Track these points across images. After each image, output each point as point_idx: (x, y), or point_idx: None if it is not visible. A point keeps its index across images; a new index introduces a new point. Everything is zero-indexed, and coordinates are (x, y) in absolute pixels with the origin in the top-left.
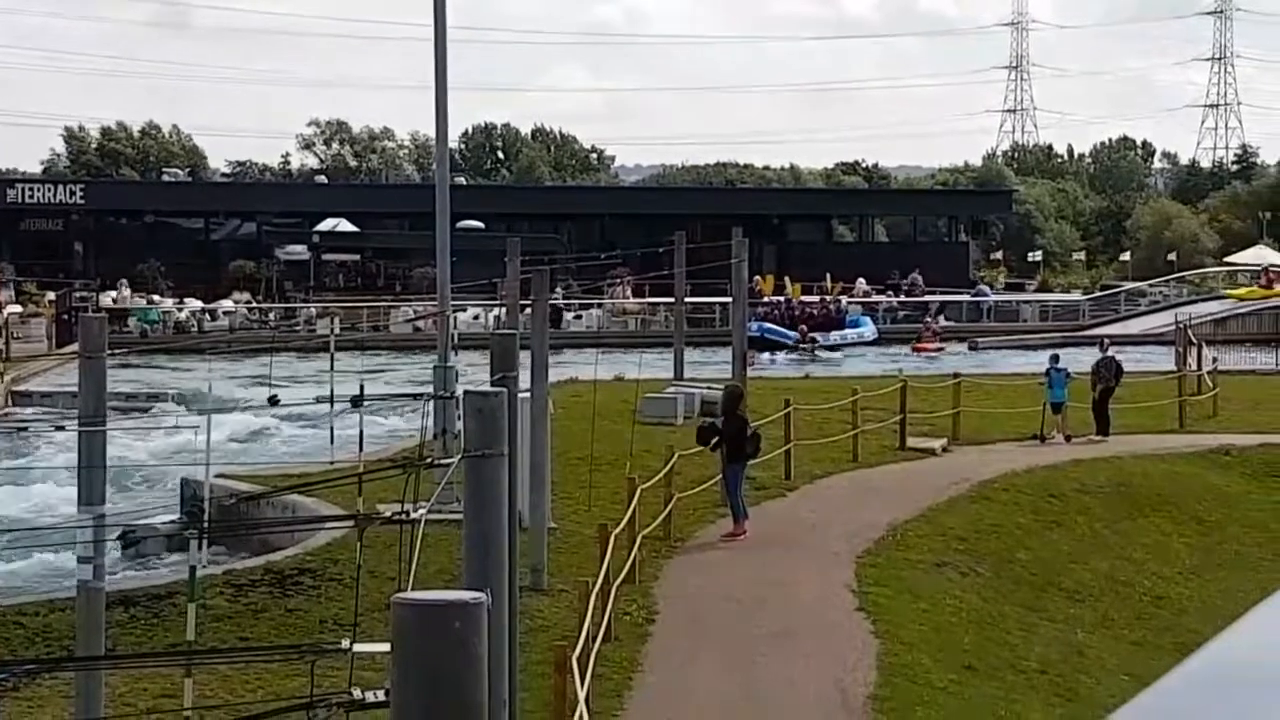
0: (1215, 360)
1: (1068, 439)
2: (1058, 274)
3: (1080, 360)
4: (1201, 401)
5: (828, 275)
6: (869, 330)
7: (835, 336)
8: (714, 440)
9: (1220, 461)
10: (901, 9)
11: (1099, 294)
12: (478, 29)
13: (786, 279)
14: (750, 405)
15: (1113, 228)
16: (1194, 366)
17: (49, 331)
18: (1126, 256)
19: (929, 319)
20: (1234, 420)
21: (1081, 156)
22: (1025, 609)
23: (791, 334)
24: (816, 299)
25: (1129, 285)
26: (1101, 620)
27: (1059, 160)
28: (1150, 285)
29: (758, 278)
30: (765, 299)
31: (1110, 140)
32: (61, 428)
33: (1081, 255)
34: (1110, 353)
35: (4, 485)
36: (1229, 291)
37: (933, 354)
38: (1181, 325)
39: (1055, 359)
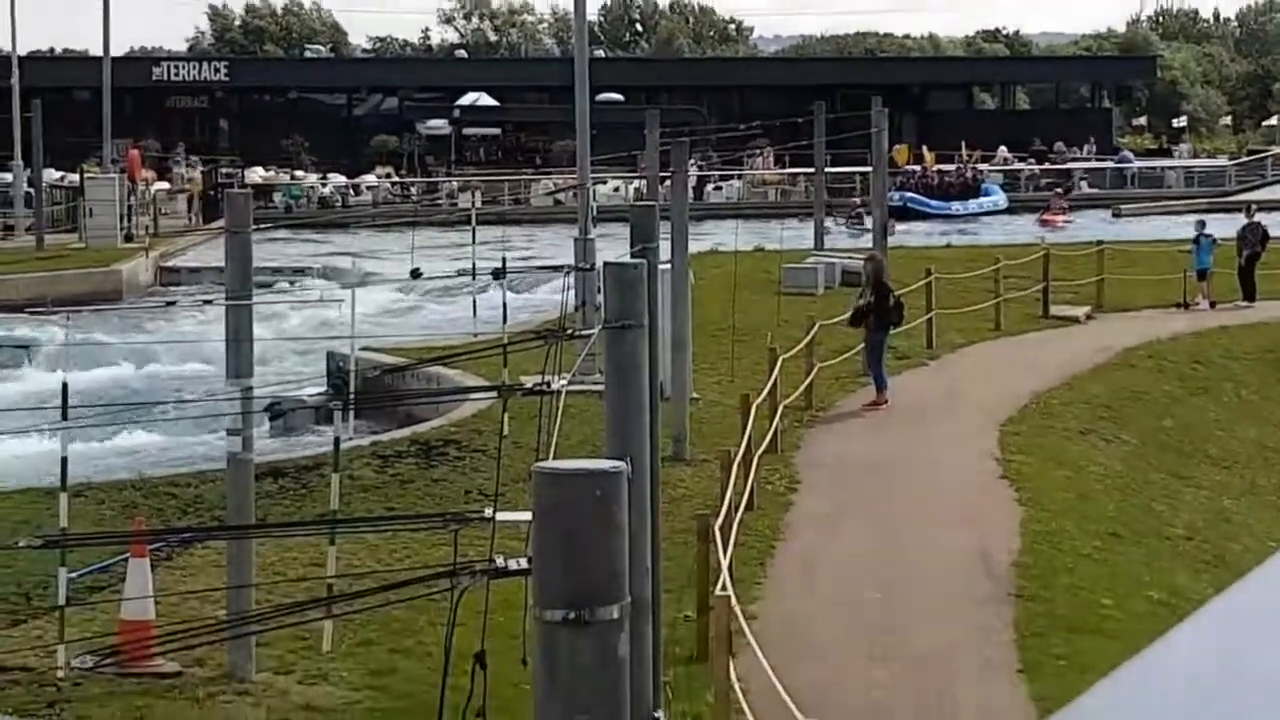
0: None
1: (1212, 305)
2: (1203, 139)
3: (1227, 227)
4: None
5: (963, 144)
6: (1000, 199)
7: (973, 205)
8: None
9: None
10: None
11: (1245, 159)
12: None
13: (924, 148)
14: (892, 275)
15: (1260, 92)
16: None
17: (196, 208)
18: (1274, 121)
19: (1058, 190)
20: None
21: (1227, 20)
22: (1171, 476)
23: (935, 203)
24: (953, 168)
25: (1276, 150)
26: (1249, 487)
27: (1204, 24)
28: None
29: (898, 147)
30: (901, 168)
31: (1256, 3)
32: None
33: (1228, 120)
34: (1257, 218)
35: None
36: None
37: (1060, 226)
38: None
39: (1202, 225)
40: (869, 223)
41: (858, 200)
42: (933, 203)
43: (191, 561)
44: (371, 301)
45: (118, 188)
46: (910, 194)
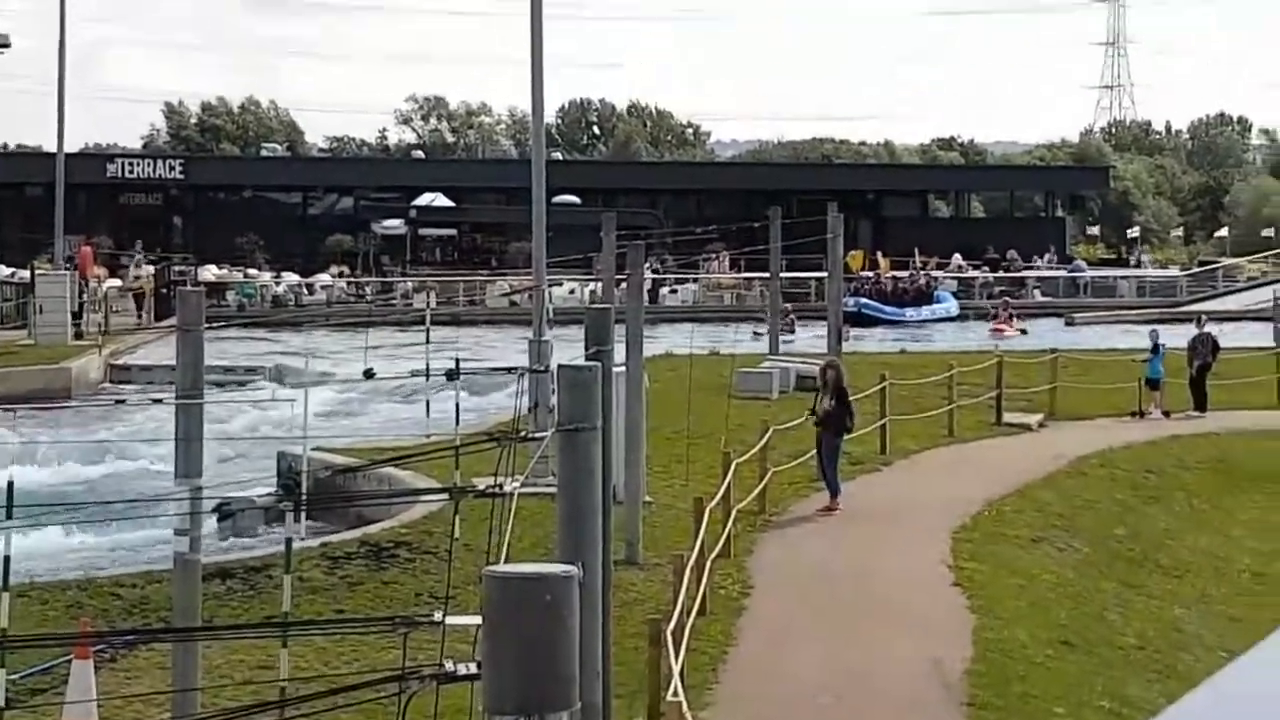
0: None
1: (1166, 415)
2: (1156, 250)
3: (1178, 336)
4: None
5: (916, 251)
6: (953, 306)
7: (926, 312)
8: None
9: None
10: None
11: (1197, 270)
12: (571, 4)
13: (879, 254)
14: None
15: (1210, 204)
16: None
17: (147, 306)
18: (1224, 233)
19: (1006, 299)
20: None
21: (1179, 132)
22: (1122, 585)
23: (889, 309)
24: (906, 274)
25: (1227, 261)
26: (1200, 596)
27: (1157, 136)
28: (1249, 261)
29: (854, 253)
30: (856, 274)
31: (1208, 116)
32: (159, 400)
33: (1179, 231)
34: (1207, 329)
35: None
36: None
37: (1010, 335)
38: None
39: (1155, 334)
40: (797, 332)
41: (788, 307)
42: (887, 309)
43: (136, 664)
44: (324, 401)
45: (69, 285)
46: (865, 300)
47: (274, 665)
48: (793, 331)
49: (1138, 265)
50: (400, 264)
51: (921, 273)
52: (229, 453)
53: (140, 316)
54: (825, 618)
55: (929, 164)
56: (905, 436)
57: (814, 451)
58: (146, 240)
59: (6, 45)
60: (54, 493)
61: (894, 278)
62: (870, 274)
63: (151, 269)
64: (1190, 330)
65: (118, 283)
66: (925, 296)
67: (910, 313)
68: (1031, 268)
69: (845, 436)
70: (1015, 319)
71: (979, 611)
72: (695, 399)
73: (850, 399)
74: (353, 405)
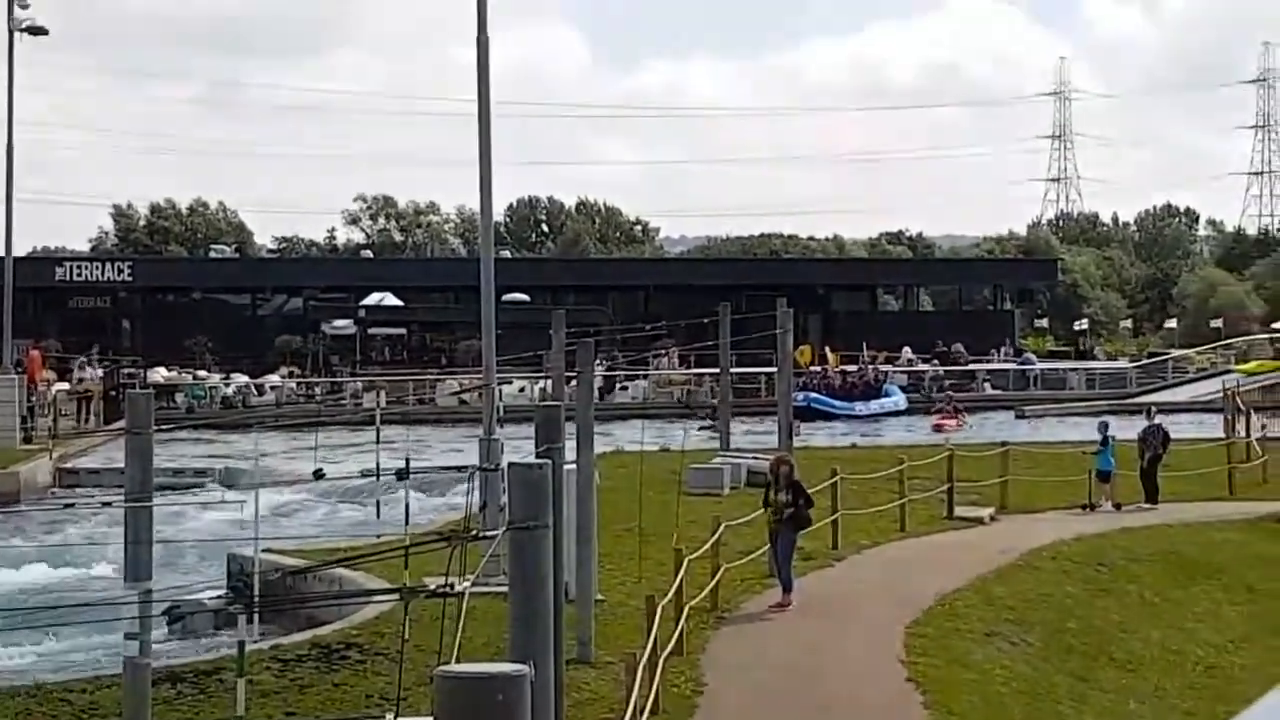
0: (1264, 427)
1: (1117, 507)
2: (1104, 341)
3: (1128, 428)
4: (1251, 468)
5: (864, 345)
6: (900, 400)
7: (875, 406)
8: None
9: (1271, 529)
10: (942, 79)
11: (1146, 362)
12: (518, 103)
13: (827, 349)
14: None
15: (1159, 295)
16: (1243, 433)
17: (96, 409)
18: (1173, 324)
19: (949, 394)
20: None
21: (1126, 224)
22: (1076, 679)
23: (839, 403)
24: (855, 369)
25: (1176, 353)
26: (1153, 690)
27: (1104, 228)
28: (1197, 353)
29: (803, 347)
30: (805, 368)
31: (1155, 208)
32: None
33: (1128, 323)
34: (1157, 420)
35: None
36: (1237, 367)
37: (953, 430)
38: (1230, 392)
39: (1105, 427)
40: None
41: (713, 404)
42: (836, 403)
43: None
44: (274, 502)
45: (17, 389)
46: (814, 394)
47: None
48: (714, 430)
49: (1092, 357)
50: (350, 364)
51: (870, 367)
52: (179, 556)
53: (84, 420)
54: (779, 715)
55: (878, 258)
56: (857, 531)
57: (767, 547)
58: (95, 342)
59: None
60: (2, 599)
61: (842, 372)
62: (819, 369)
63: (99, 371)
64: (1140, 422)
65: (66, 386)
66: (874, 390)
67: (860, 407)
68: (981, 360)
69: (803, 531)
70: (959, 412)
71: (933, 707)
72: (646, 495)
73: (807, 491)
74: (303, 506)
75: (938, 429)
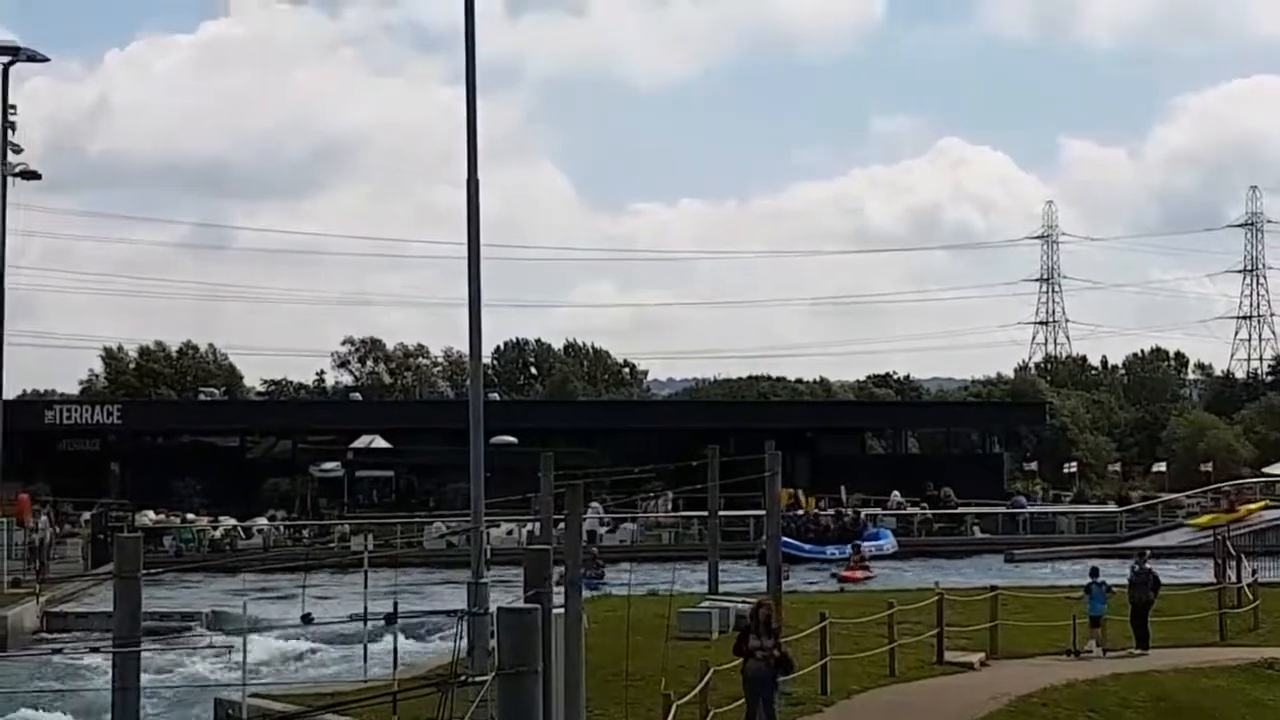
0: (1255, 572)
1: (1105, 652)
2: (1094, 485)
3: (1116, 573)
4: (1242, 614)
5: (843, 488)
6: (887, 543)
7: (865, 548)
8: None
9: (1263, 675)
10: (928, 223)
11: (1136, 505)
12: (505, 245)
13: (800, 492)
14: (785, 620)
15: (1148, 439)
16: (1233, 578)
17: (84, 552)
18: (1162, 467)
19: (857, 543)
20: (1276, 633)
21: (1115, 368)
22: None
23: (808, 547)
24: (831, 512)
25: (1166, 497)
26: None
27: (1093, 371)
28: (1187, 497)
29: (788, 490)
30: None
31: (1143, 351)
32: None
33: (1117, 466)
34: (1148, 565)
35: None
36: (1190, 521)
37: (860, 581)
38: (1220, 537)
39: (1095, 572)
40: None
41: (594, 549)
42: (805, 547)
43: None
44: (262, 647)
45: (6, 533)
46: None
47: None
48: (600, 577)
49: (1085, 501)
50: (338, 506)
51: (848, 509)
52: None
53: (38, 566)
54: None
55: (865, 401)
56: (846, 676)
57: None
58: (84, 486)
59: None
60: None
61: (816, 515)
62: (799, 512)
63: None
64: (1131, 566)
65: (55, 529)
66: (852, 533)
67: (833, 550)
68: (967, 504)
69: (782, 679)
70: (867, 565)
71: None
72: (634, 640)
73: (778, 642)
74: (291, 650)
75: (844, 580)
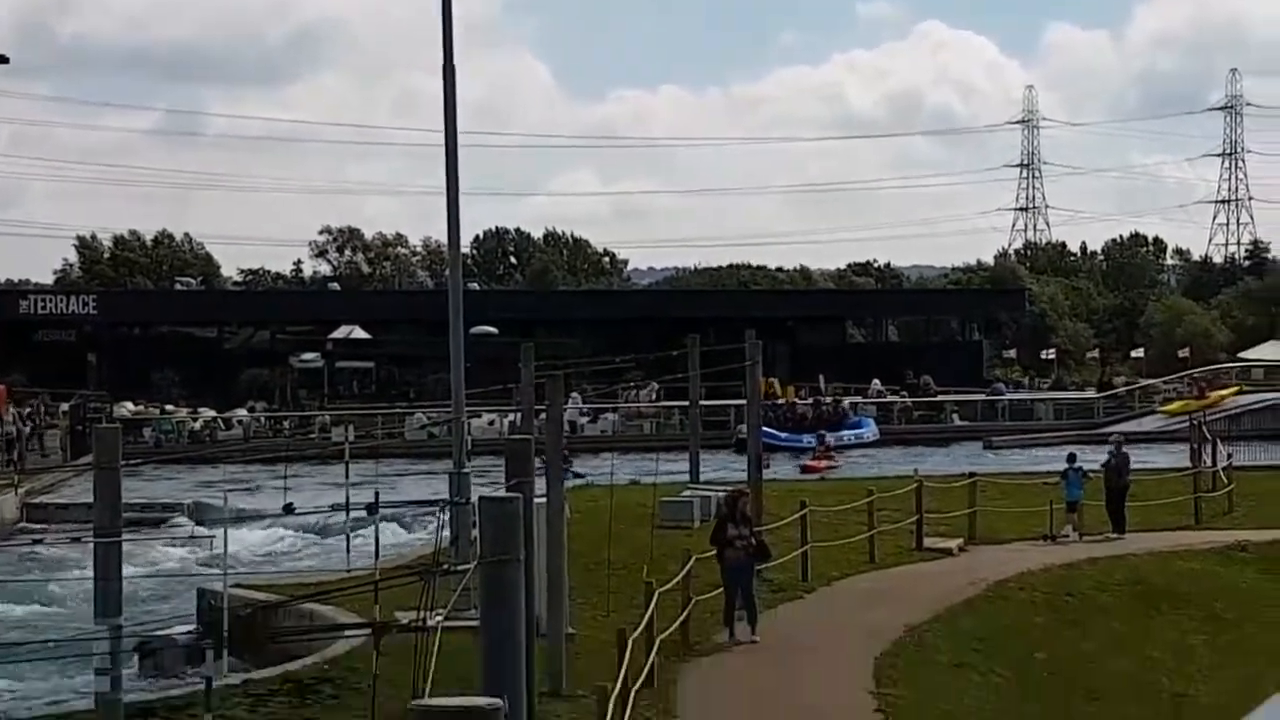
0: (1230, 456)
1: (1080, 537)
2: (1072, 371)
3: (1094, 459)
4: (1217, 498)
5: (821, 377)
6: (867, 431)
7: (830, 438)
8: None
9: (1237, 558)
10: (908, 109)
11: (1114, 391)
12: (484, 133)
13: (775, 381)
14: (766, 508)
15: (1126, 324)
16: (1209, 463)
17: (63, 444)
18: (1140, 353)
19: (823, 432)
20: (1250, 516)
21: (1094, 254)
22: (1044, 709)
23: (784, 435)
24: (809, 401)
25: (1145, 382)
26: (1121, 719)
27: (1072, 258)
28: (1164, 382)
29: (771, 379)
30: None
31: (1122, 237)
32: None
33: (1095, 353)
34: (1124, 450)
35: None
36: (1162, 408)
37: (823, 471)
38: (1196, 421)
39: (1072, 458)
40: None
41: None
42: (782, 435)
43: None
44: (243, 538)
45: None
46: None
47: None
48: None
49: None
50: (318, 398)
51: (827, 399)
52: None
53: (15, 458)
54: None
55: (845, 289)
56: (826, 563)
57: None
58: (61, 377)
59: None
60: None
61: (793, 404)
62: (779, 401)
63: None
64: (1109, 451)
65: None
66: (830, 422)
67: (809, 439)
68: (946, 391)
69: (759, 566)
70: (832, 455)
71: None
72: (616, 529)
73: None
74: (273, 541)
75: (808, 470)
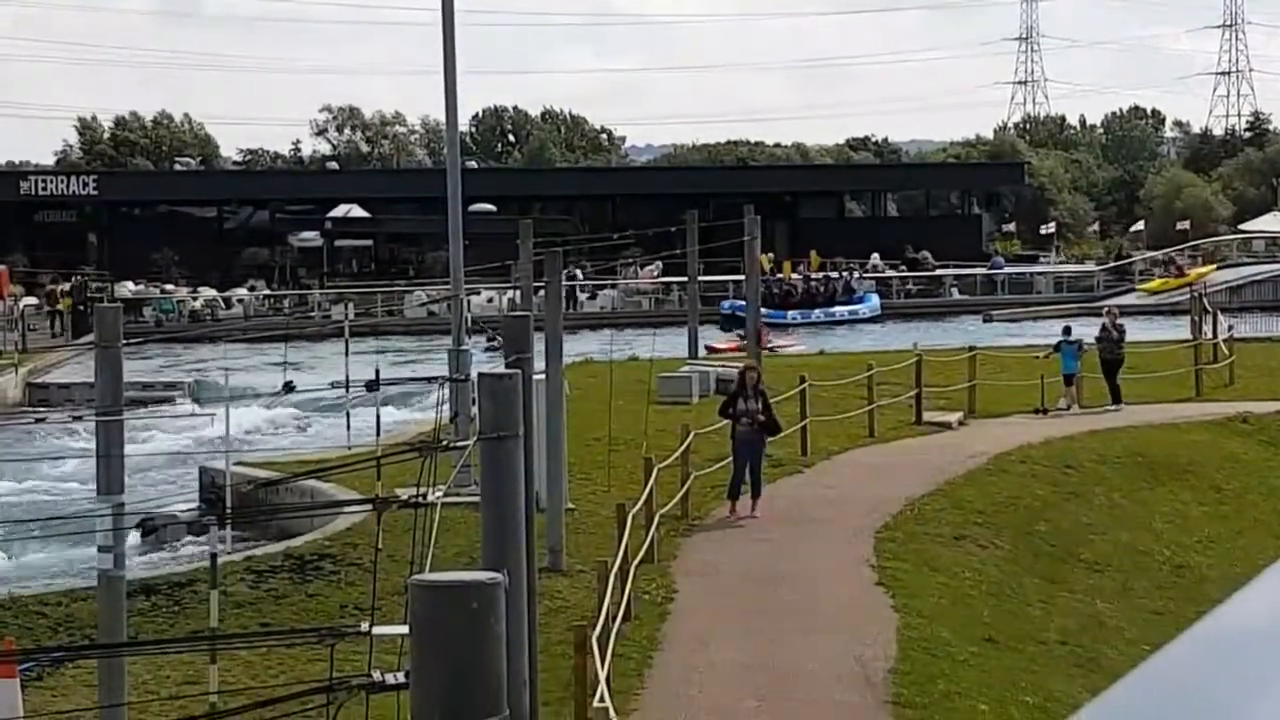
0: (1231, 328)
1: (1070, 407)
2: (1072, 245)
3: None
4: (1218, 369)
5: (811, 253)
6: (864, 307)
7: (818, 314)
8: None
9: (1238, 429)
10: None
11: (1114, 264)
12: (482, 11)
13: (767, 255)
14: (765, 383)
15: (1126, 198)
16: (1209, 334)
17: (65, 323)
18: (1140, 226)
19: (817, 312)
20: (1250, 388)
21: (1093, 127)
22: (1044, 581)
23: (769, 312)
24: (798, 277)
25: (1143, 255)
26: (1122, 590)
27: (1071, 131)
28: (1164, 255)
29: (769, 255)
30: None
31: (1122, 110)
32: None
33: (1095, 226)
34: (1120, 321)
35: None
36: (1141, 286)
37: (782, 348)
38: (1196, 293)
39: (1068, 331)
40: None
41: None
42: (766, 311)
43: (63, 681)
44: (244, 416)
45: None
46: (739, 302)
47: (201, 680)
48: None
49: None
50: (318, 277)
51: (820, 275)
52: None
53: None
54: (750, 621)
55: (844, 164)
56: (826, 437)
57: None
58: (62, 258)
59: None
60: None
61: (781, 280)
62: (774, 276)
63: (69, 285)
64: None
65: (34, 301)
66: (814, 298)
67: (794, 315)
68: (945, 266)
69: (773, 439)
70: (790, 332)
71: (902, 610)
72: (616, 405)
73: (767, 402)
74: (274, 419)
75: (711, 350)
